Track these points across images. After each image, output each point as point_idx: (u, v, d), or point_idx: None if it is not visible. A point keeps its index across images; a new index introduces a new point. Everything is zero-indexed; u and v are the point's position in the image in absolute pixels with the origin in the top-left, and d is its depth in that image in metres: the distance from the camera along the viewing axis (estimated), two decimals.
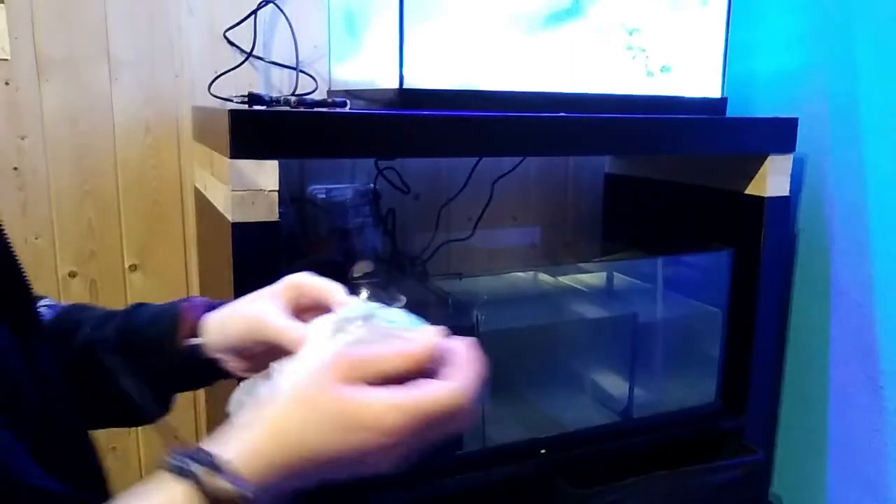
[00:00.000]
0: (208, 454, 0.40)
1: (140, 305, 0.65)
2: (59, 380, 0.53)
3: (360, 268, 1.11)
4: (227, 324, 0.58)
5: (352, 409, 0.41)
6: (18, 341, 0.47)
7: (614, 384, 1.18)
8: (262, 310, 0.56)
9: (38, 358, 0.49)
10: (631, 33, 1.10)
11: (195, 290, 1.25)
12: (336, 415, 0.41)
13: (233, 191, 0.81)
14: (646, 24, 1.11)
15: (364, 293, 0.56)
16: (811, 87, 1.22)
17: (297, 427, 0.41)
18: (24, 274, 0.50)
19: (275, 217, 0.83)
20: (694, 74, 1.16)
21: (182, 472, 0.39)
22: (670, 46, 1.14)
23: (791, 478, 1.32)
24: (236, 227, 0.82)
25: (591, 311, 1.20)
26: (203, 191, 1.09)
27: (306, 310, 0.57)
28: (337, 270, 1.09)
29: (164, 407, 0.64)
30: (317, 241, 1.16)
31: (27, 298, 0.51)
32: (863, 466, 1.18)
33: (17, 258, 0.50)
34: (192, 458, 0.40)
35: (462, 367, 0.44)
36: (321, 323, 0.51)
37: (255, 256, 0.83)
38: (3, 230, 0.49)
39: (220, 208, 0.89)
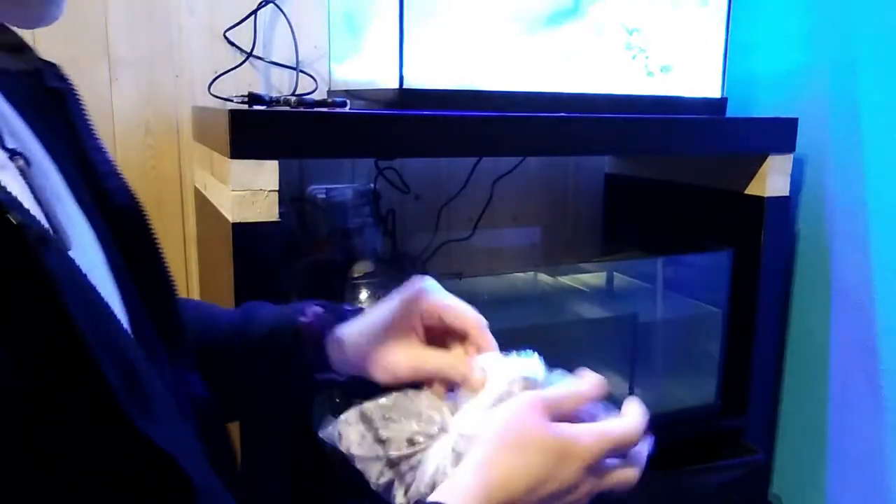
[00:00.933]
0: None
1: (251, 310, 0.63)
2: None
3: (360, 268, 1.11)
4: (367, 354, 0.58)
5: (564, 440, 0.47)
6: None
7: (614, 384, 1.18)
8: (419, 352, 0.57)
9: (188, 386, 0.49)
10: (631, 33, 1.10)
11: (195, 291, 1.25)
12: (553, 446, 0.47)
13: (233, 191, 0.81)
14: (646, 24, 1.11)
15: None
16: (811, 87, 1.22)
17: (520, 468, 0.46)
18: (176, 295, 0.50)
19: (275, 217, 0.83)
20: (694, 74, 1.16)
21: None
22: (670, 46, 1.14)
23: (791, 478, 1.32)
24: (236, 227, 0.82)
25: (591, 311, 1.20)
26: (203, 191, 1.09)
27: (431, 329, 0.58)
28: (337, 270, 1.09)
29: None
30: (317, 241, 1.16)
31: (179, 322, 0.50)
32: (863, 466, 1.18)
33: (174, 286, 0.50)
34: None
35: (629, 406, 0.52)
36: (497, 369, 0.54)
37: (255, 256, 0.83)
38: (161, 255, 0.49)
39: (220, 208, 0.89)
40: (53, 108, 0.48)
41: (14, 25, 0.42)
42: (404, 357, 0.56)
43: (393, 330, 0.57)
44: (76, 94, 0.50)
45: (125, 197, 0.48)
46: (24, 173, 0.39)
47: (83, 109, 0.50)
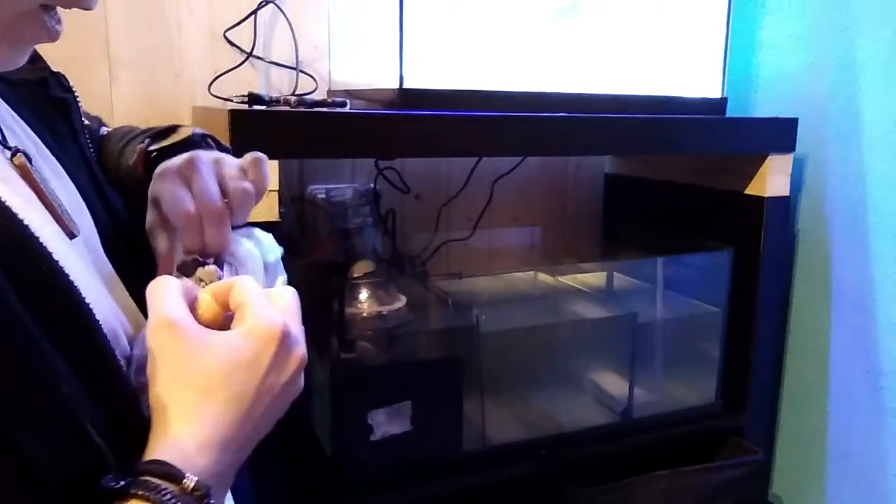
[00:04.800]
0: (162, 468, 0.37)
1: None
2: None
3: (360, 268, 1.11)
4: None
5: (227, 352, 0.41)
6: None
7: (614, 384, 1.18)
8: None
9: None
10: (631, 33, 1.10)
11: None
12: (232, 348, 0.41)
13: None
14: (646, 24, 1.11)
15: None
16: (811, 87, 1.22)
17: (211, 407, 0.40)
18: None
19: (275, 217, 0.83)
20: (694, 74, 1.16)
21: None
22: (670, 46, 1.14)
23: (791, 478, 1.32)
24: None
25: (591, 311, 1.20)
26: None
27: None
28: (337, 270, 1.10)
29: None
30: (317, 241, 1.16)
31: None
32: (863, 466, 1.18)
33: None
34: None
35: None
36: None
37: None
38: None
39: None
40: (58, 116, 0.52)
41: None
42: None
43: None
44: (78, 105, 0.55)
45: (120, 203, 0.55)
46: (27, 169, 0.42)
47: (83, 119, 0.55)
